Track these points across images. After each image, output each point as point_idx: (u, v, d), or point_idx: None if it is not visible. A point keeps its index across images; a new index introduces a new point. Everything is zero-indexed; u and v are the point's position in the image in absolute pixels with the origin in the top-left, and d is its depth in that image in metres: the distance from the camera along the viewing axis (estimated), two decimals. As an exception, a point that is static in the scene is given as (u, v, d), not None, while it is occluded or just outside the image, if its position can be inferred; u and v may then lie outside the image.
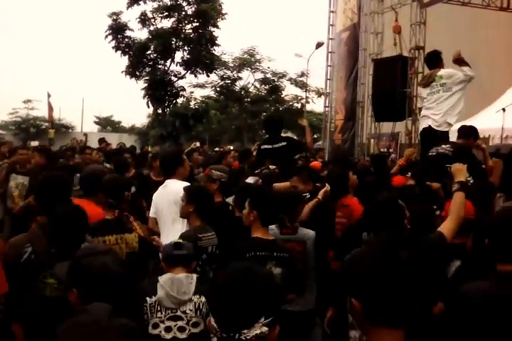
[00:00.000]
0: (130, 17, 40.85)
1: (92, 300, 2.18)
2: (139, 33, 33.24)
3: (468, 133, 6.94)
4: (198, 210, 4.44)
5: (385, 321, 1.91)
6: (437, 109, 8.35)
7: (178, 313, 3.32)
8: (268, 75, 39.77)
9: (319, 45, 24.09)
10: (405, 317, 1.92)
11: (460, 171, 3.92)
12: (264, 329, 1.88)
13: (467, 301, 2.83)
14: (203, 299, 3.32)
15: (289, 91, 41.29)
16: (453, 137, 7.78)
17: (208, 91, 40.15)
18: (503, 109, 11.47)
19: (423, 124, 8.57)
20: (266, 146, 7.96)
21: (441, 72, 8.40)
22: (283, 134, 9.28)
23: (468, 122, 18.10)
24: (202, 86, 38.86)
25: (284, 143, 7.77)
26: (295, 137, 11.01)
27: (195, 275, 3.44)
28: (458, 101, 8.45)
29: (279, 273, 3.94)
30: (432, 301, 3.50)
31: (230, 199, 5.56)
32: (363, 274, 1.96)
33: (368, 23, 16.51)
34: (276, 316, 1.94)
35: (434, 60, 8.66)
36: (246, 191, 4.58)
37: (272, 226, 4.48)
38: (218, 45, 34.66)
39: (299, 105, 40.04)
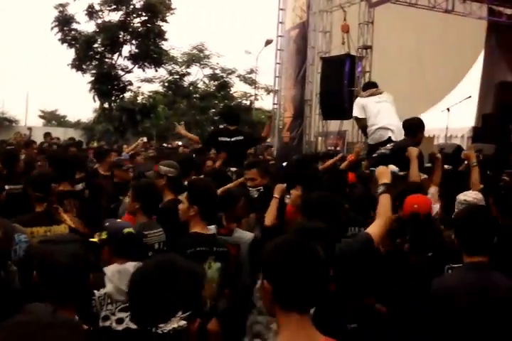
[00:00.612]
0: (77, 9, 40.07)
1: (45, 287, 2.30)
2: (86, 26, 32.60)
3: (412, 129, 6.81)
4: (143, 207, 4.37)
5: (291, 304, 2.01)
6: (392, 121, 8.35)
7: None
8: (217, 71, 39.65)
9: (268, 42, 24.15)
10: (309, 301, 2.03)
11: (383, 174, 3.93)
12: (182, 323, 1.90)
13: (441, 292, 3.19)
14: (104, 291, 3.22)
15: (238, 88, 41.27)
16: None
17: (156, 87, 39.80)
18: (448, 109, 11.67)
19: (384, 135, 8.38)
20: (223, 139, 8.06)
21: (388, 94, 8.50)
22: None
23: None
24: (150, 81, 38.46)
25: (241, 137, 7.93)
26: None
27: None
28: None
29: (218, 267, 3.91)
30: (362, 296, 3.57)
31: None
32: (274, 257, 2.07)
33: (316, 22, 16.57)
34: (195, 310, 1.95)
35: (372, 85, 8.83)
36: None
37: (212, 226, 4.41)
38: (167, 40, 34.38)
39: (247, 102, 40.06)
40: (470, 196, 4.28)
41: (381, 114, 8.36)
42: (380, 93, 8.52)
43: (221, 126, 8.98)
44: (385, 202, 3.74)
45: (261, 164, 5.80)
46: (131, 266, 3.21)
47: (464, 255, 3.27)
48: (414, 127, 6.74)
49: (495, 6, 15.45)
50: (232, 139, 8.10)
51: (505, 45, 15.75)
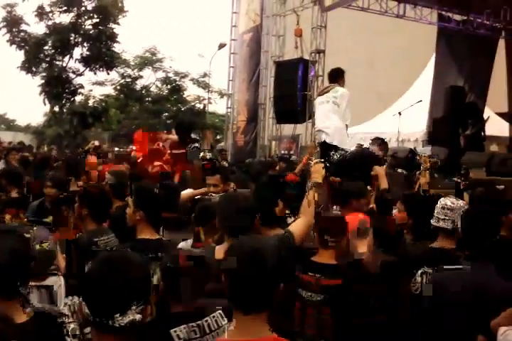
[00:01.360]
0: (26, 10, 39.33)
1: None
2: (36, 27, 32.00)
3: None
4: (92, 213, 4.24)
5: (235, 305, 2.14)
6: (328, 123, 8.46)
7: None
8: (170, 75, 39.37)
9: (221, 46, 24.08)
10: (251, 304, 2.10)
11: (317, 171, 3.87)
12: (138, 316, 1.97)
13: (441, 287, 3.30)
14: (77, 299, 2.98)
15: (191, 91, 41.08)
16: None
17: (108, 90, 39.31)
18: (400, 113, 11.79)
19: (319, 138, 8.62)
20: (176, 151, 8.34)
21: (341, 89, 8.49)
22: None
23: (365, 125, 18.68)
24: (101, 84, 37.96)
25: (196, 144, 8.08)
26: (197, 137, 10.98)
27: (61, 277, 3.16)
28: (343, 116, 8.58)
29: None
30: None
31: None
32: (228, 261, 2.16)
33: (270, 25, 16.61)
34: (147, 300, 2.04)
35: (336, 75, 8.77)
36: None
37: (189, 241, 4.31)
38: (119, 43, 33.96)
39: (201, 106, 39.90)
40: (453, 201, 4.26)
41: (318, 116, 8.56)
42: (328, 91, 8.54)
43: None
44: (310, 199, 3.67)
45: (223, 170, 5.74)
46: (50, 282, 3.08)
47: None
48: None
49: (444, 11, 15.75)
50: (187, 149, 8.17)
51: (455, 50, 16.06)
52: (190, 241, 4.32)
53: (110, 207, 4.67)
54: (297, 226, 3.57)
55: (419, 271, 3.80)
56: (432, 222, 4.13)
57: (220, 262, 2.83)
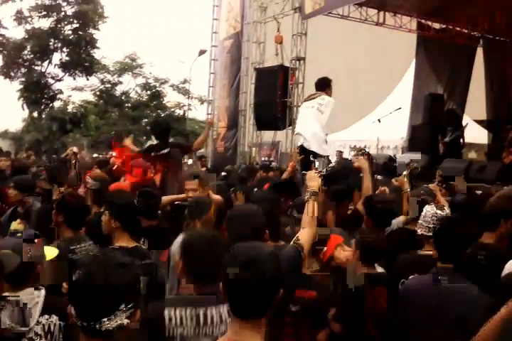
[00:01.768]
0: (4, 14, 39.00)
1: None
2: (15, 32, 31.74)
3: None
4: (67, 220, 4.14)
5: (233, 311, 2.16)
6: (307, 128, 8.54)
7: None
8: (150, 81, 39.25)
9: (202, 52, 24.08)
10: (249, 311, 2.12)
11: (313, 179, 3.79)
12: (126, 321, 1.96)
13: (409, 291, 3.41)
14: (54, 318, 2.89)
15: (172, 97, 40.95)
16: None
17: (88, 95, 39.07)
18: (379, 120, 11.85)
19: (298, 141, 8.78)
20: (153, 154, 8.06)
21: (325, 96, 8.55)
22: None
23: (344, 133, 18.76)
24: (81, 89, 37.71)
25: (165, 151, 7.85)
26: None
27: (42, 292, 2.96)
28: (324, 125, 8.66)
29: (144, 281, 3.74)
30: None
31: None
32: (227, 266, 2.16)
33: (250, 32, 16.63)
34: (136, 302, 2.04)
35: (324, 84, 8.84)
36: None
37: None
38: (98, 48, 33.81)
39: (181, 112, 39.81)
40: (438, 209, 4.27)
41: (300, 120, 8.71)
42: (314, 98, 8.61)
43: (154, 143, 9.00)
44: (310, 209, 3.61)
45: (203, 175, 5.69)
46: (24, 298, 2.89)
47: (438, 262, 3.47)
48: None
49: (424, 20, 15.88)
50: (162, 152, 8.11)
51: (434, 58, 16.21)
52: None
53: (87, 214, 4.60)
54: (304, 237, 3.49)
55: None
56: (420, 230, 4.18)
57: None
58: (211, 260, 2.79)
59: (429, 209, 4.24)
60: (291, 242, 3.46)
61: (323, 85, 8.75)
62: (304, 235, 3.49)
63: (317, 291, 3.50)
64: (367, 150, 13.75)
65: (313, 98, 8.55)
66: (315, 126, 8.34)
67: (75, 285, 2.02)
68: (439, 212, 4.17)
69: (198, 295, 2.84)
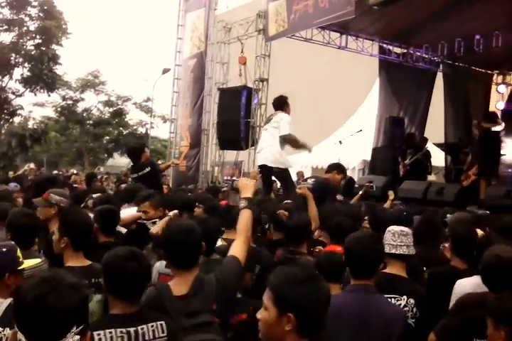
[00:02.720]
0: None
1: None
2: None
3: (331, 167, 7.95)
4: (16, 237, 3.95)
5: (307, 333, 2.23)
6: (269, 148, 8.72)
7: None
8: (112, 98, 39.13)
9: (165, 71, 24.02)
10: None
11: (247, 186, 3.69)
12: (76, 338, 1.88)
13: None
14: (7, 331, 2.79)
15: (134, 115, 40.84)
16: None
17: (49, 111, 38.68)
18: (340, 142, 11.98)
19: (259, 161, 9.02)
20: (132, 175, 8.46)
21: (281, 115, 8.75)
22: (126, 159, 9.67)
23: (306, 154, 18.85)
24: (42, 105, 37.34)
25: (148, 169, 8.16)
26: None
27: (5, 303, 2.91)
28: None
29: (99, 299, 3.66)
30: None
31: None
32: None
33: (214, 52, 16.70)
34: (86, 323, 1.96)
35: (281, 103, 9.02)
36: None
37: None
38: (61, 64, 33.52)
39: (143, 130, 39.68)
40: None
41: (260, 142, 9.09)
42: (271, 119, 8.83)
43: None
44: (246, 217, 3.50)
45: (154, 196, 5.62)
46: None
47: (351, 278, 3.45)
48: (330, 168, 7.94)
49: (385, 44, 16.15)
50: (140, 173, 8.25)
51: (395, 81, 16.49)
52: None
53: (40, 230, 4.49)
54: (237, 248, 3.37)
55: None
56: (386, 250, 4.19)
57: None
58: (135, 278, 2.80)
59: (391, 229, 4.29)
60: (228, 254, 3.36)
61: (281, 104, 8.96)
62: (237, 246, 3.38)
63: (249, 313, 3.41)
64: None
65: (271, 119, 8.78)
66: (272, 143, 8.56)
67: (23, 307, 1.91)
68: (404, 229, 4.22)
69: (126, 313, 2.77)
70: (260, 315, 2.29)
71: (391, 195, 8.38)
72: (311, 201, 5.84)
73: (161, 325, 2.79)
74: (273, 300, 2.24)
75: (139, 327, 2.72)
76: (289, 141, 8.56)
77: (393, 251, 3.98)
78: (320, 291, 2.27)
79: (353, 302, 3.30)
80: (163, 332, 2.78)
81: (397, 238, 4.05)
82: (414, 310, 3.68)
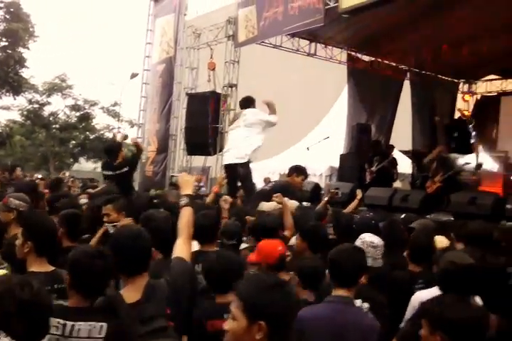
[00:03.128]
0: None
1: None
2: None
3: (290, 170, 8.01)
4: None
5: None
6: (236, 145, 8.77)
7: None
8: (79, 102, 38.73)
9: (134, 75, 23.94)
10: None
11: (187, 183, 3.62)
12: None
13: (306, 320, 3.26)
14: None
15: (101, 120, 40.48)
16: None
17: (14, 115, 38.13)
18: (308, 148, 12.03)
19: (225, 160, 9.03)
20: (107, 172, 8.54)
21: (247, 110, 8.80)
22: (93, 164, 9.68)
23: (274, 160, 18.92)
24: (7, 108, 36.80)
25: (126, 169, 8.36)
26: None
27: None
28: (256, 137, 8.90)
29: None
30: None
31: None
32: None
33: (183, 58, 16.64)
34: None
35: (247, 103, 9.10)
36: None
37: None
38: (27, 67, 33.12)
39: (110, 134, 39.35)
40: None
41: (228, 141, 9.26)
42: (238, 117, 8.90)
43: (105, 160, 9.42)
44: (187, 215, 3.42)
45: (118, 200, 5.59)
46: None
47: (333, 288, 3.52)
48: (292, 170, 7.98)
49: (353, 52, 16.30)
50: (117, 172, 8.38)
51: (363, 89, 16.63)
52: None
53: (1, 235, 4.44)
54: (180, 249, 3.29)
55: None
56: None
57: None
58: (100, 276, 2.89)
59: (362, 237, 4.32)
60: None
61: (248, 103, 9.06)
62: (180, 247, 3.30)
63: None
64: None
65: (237, 118, 8.86)
66: (239, 143, 8.62)
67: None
68: (375, 240, 4.27)
69: (75, 307, 2.81)
70: (228, 325, 2.23)
71: (359, 193, 8.37)
72: (287, 208, 5.82)
73: (101, 326, 2.79)
74: (243, 308, 2.18)
75: (77, 323, 2.74)
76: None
77: None
78: (289, 297, 2.25)
79: (331, 314, 3.35)
80: (99, 334, 2.78)
81: (365, 248, 4.09)
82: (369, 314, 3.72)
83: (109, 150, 9.08)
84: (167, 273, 3.19)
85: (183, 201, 3.49)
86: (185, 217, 3.42)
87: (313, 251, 4.76)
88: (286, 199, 6.04)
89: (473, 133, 12.89)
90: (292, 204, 6.09)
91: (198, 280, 3.73)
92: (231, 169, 8.87)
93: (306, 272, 3.95)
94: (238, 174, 8.86)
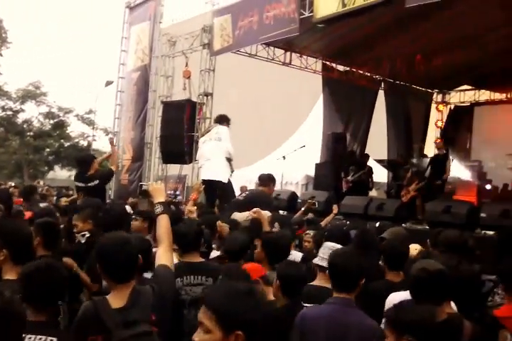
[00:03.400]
0: None
1: None
2: None
3: (266, 180, 8.03)
4: None
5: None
6: (210, 159, 8.78)
7: None
8: (54, 110, 38.42)
9: (109, 83, 23.76)
10: None
11: (159, 190, 3.61)
12: None
13: (306, 321, 3.41)
14: None
15: (76, 127, 40.19)
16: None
17: (-13, 122, 37.70)
18: (284, 157, 12.05)
19: (204, 175, 9.00)
20: (79, 184, 8.39)
21: (221, 126, 8.86)
22: (67, 172, 9.58)
23: (250, 168, 18.90)
24: (-20, 116, 36.43)
25: (96, 182, 8.19)
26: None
27: None
28: (227, 151, 8.94)
29: None
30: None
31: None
32: None
33: (158, 66, 16.59)
34: None
35: (222, 119, 9.16)
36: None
37: None
38: (0, 74, 32.82)
39: (85, 142, 39.07)
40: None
41: (202, 154, 9.18)
42: (210, 130, 8.91)
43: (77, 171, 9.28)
44: (164, 223, 3.41)
45: (83, 209, 5.56)
46: None
47: (334, 292, 3.58)
48: (267, 179, 7.97)
49: (328, 62, 16.39)
50: (89, 184, 8.25)
51: (338, 98, 16.74)
52: None
53: None
54: (163, 256, 3.30)
55: None
56: (316, 260, 4.32)
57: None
58: (48, 288, 2.93)
59: (327, 243, 4.36)
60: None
61: (222, 120, 9.08)
62: (162, 255, 3.30)
63: None
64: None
65: (209, 131, 8.87)
66: (217, 156, 8.63)
67: None
68: (337, 245, 4.30)
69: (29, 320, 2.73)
70: (199, 338, 2.09)
71: (335, 209, 8.50)
72: (265, 221, 5.81)
73: (51, 340, 2.82)
74: (216, 319, 2.05)
75: (28, 336, 2.76)
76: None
77: (320, 263, 4.22)
78: (261, 303, 2.19)
79: (333, 314, 3.42)
80: None
81: (326, 251, 4.16)
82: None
83: (81, 161, 8.92)
84: (152, 281, 3.21)
85: (158, 209, 3.47)
86: (164, 224, 3.41)
87: (269, 261, 4.65)
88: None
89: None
90: (265, 214, 6.08)
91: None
92: (210, 183, 8.85)
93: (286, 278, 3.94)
94: (218, 187, 8.93)
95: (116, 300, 3.04)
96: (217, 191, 9.12)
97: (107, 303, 3.01)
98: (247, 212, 6.13)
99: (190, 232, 4.39)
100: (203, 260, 4.52)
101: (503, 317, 3.76)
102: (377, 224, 6.98)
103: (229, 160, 9.06)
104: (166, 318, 3.16)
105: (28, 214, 6.69)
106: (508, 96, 17.58)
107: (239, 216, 6.34)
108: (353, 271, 3.53)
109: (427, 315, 2.78)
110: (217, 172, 8.87)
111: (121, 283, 3.08)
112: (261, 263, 4.45)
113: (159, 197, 3.55)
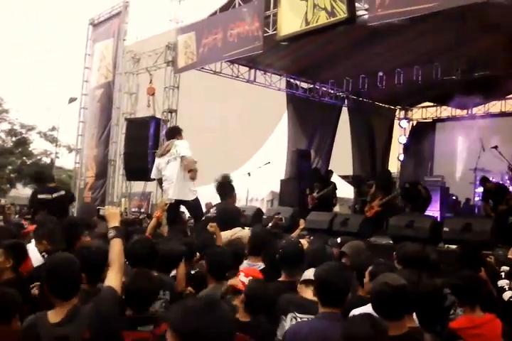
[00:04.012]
0: None
1: None
2: None
3: (229, 191, 8.41)
4: None
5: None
6: (175, 182, 8.74)
7: None
8: (16, 127, 37.88)
9: (72, 100, 23.64)
10: None
11: (114, 215, 3.70)
12: None
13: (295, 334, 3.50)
14: None
15: (38, 145, 39.64)
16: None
17: None
18: (249, 174, 12.07)
19: (170, 195, 8.86)
20: (45, 196, 8.26)
21: (178, 141, 8.81)
22: (30, 189, 9.51)
23: (214, 185, 18.85)
24: None
25: (62, 193, 8.28)
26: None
27: None
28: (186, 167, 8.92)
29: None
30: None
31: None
32: None
33: (122, 83, 16.51)
34: None
35: (174, 132, 9.13)
36: None
37: None
38: (-39, 91, 32.32)
39: (48, 160, 38.56)
40: None
41: (167, 175, 8.90)
42: (168, 150, 8.84)
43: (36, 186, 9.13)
44: (117, 247, 3.51)
45: (37, 230, 5.47)
46: None
47: (319, 306, 3.58)
48: (224, 190, 8.30)
49: (292, 79, 16.52)
50: (54, 195, 8.22)
51: (303, 115, 16.88)
52: None
53: None
54: (112, 279, 3.36)
55: (288, 316, 3.94)
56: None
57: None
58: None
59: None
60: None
61: (174, 133, 9.06)
62: (112, 278, 3.37)
63: None
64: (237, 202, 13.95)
65: (168, 150, 8.80)
66: (178, 177, 8.58)
67: None
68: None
69: None
70: None
71: (302, 223, 8.47)
72: (219, 236, 6.07)
73: None
74: (176, 338, 2.00)
75: None
76: (186, 166, 8.58)
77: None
78: (226, 315, 2.13)
79: (321, 327, 3.44)
80: None
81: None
82: None
83: (39, 176, 8.85)
84: (94, 300, 3.33)
85: (111, 233, 3.56)
86: (116, 248, 3.51)
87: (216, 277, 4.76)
88: (238, 229, 6.54)
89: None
90: (247, 233, 6.20)
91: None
92: (175, 203, 8.80)
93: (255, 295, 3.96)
94: (189, 206, 8.92)
95: (56, 315, 3.34)
96: (179, 211, 9.10)
97: (46, 318, 3.33)
98: (229, 232, 6.36)
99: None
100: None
101: (459, 328, 3.91)
102: (339, 240, 7.00)
103: (192, 178, 8.97)
104: (100, 336, 3.23)
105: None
106: (469, 112, 17.92)
107: (223, 235, 6.38)
108: (340, 286, 3.54)
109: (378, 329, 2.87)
110: (186, 193, 8.84)
111: (65, 299, 3.37)
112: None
113: (113, 222, 3.64)
